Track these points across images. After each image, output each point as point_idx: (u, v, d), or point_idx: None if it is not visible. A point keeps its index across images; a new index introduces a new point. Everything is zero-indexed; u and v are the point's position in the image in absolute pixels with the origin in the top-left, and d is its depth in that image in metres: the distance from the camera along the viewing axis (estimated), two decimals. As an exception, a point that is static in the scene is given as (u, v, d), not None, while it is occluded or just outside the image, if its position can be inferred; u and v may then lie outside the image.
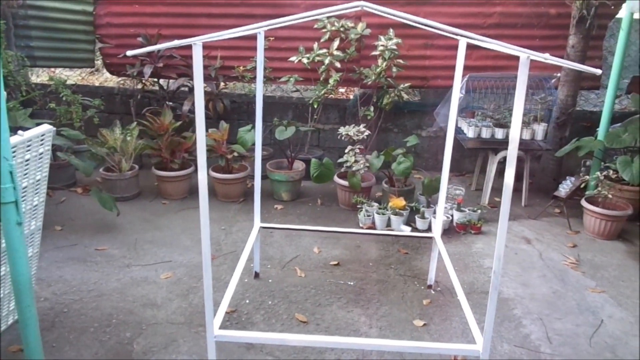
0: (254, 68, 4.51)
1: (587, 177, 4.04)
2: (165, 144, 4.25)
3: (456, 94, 2.74)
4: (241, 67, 4.52)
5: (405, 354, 2.45)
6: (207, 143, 4.29)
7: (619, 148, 4.04)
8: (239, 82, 5.00)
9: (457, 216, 4.01)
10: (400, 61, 4.46)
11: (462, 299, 2.47)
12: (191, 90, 4.81)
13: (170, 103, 4.78)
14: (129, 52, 1.59)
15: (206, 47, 4.79)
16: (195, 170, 4.48)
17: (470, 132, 4.41)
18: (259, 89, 2.82)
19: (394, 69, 4.44)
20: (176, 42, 1.59)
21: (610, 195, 3.86)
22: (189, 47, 1.57)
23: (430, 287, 3.17)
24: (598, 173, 3.98)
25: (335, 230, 3.32)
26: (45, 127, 2.32)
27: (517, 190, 4.89)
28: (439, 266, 3.20)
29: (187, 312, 2.83)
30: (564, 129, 4.71)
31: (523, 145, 4.43)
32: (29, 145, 2.23)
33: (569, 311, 3.00)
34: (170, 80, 4.88)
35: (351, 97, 5.49)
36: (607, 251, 3.80)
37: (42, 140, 2.33)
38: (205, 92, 4.76)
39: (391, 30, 4.43)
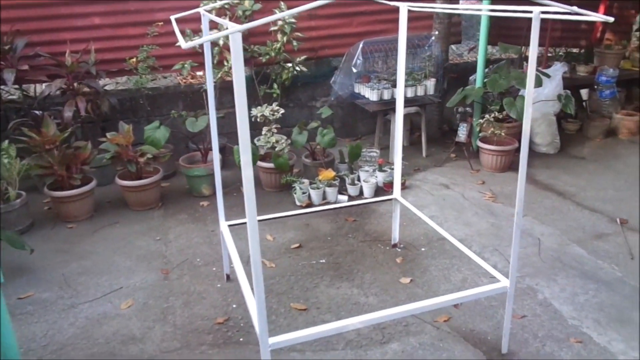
0: (147, 57, 4.04)
1: (481, 120, 4.54)
2: (57, 160, 3.62)
3: (402, 58, 2.84)
4: (133, 59, 4.01)
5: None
6: (111, 149, 3.78)
7: (498, 92, 4.60)
8: (131, 76, 4.43)
9: (382, 176, 4.21)
10: (299, 34, 4.41)
11: (460, 247, 2.66)
12: (64, 93, 4.13)
13: (39, 112, 4.06)
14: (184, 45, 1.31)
15: (72, 40, 4.16)
16: (98, 185, 3.92)
17: (373, 96, 4.61)
18: (209, 79, 2.59)
19: (295, 43, 4.38)
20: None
21: (503, 133, 4.42)
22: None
23: (395, 246, 3.32)
24: (487, 115, 4.50)
25: (319, 210, 3.27)
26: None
27: (415, 143, 5.30)
28: (390, 225, 3.38)
29: (177, 335, 2.54)
30: (442, 81, 5.20)
31: (419, 100, 4.79)
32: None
33: (511, 238, 3.41)
34: (38, 86, 4.13)
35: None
36: (508, 182, 4.37)
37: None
38: (87, 93, 4.16)
39: (282, 3, 4.34)
